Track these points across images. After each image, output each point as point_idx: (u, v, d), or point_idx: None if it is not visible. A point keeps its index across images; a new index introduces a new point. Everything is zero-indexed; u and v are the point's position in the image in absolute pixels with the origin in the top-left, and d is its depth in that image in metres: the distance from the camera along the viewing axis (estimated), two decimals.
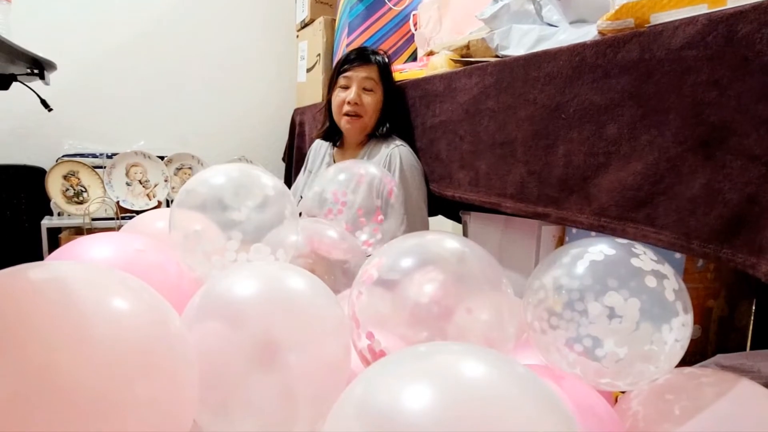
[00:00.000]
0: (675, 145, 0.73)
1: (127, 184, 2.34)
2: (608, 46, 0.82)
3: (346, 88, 1.45)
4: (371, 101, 1.44)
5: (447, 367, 0.44)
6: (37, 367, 0.45)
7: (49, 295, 0.50)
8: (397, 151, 1.41)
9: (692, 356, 0.87)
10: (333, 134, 1.58)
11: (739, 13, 0.64)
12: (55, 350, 0.47)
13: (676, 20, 0.73)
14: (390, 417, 0.41)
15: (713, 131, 0.68)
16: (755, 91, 0.63)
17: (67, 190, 2.24)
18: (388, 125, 1.46)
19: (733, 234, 0.66)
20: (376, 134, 1.47)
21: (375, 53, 1.47)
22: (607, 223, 0.84)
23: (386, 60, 1.48)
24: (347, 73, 1.45)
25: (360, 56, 1.45)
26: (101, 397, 0.47)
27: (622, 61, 0.80)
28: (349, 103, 1.43)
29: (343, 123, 1.47)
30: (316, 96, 2.17)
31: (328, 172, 1.28)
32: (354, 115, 1.44)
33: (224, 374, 0.62)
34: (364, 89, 1.44)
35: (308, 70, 2.27)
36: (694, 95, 0.70)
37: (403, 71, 1.56)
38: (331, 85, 1.52)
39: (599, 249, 0.71)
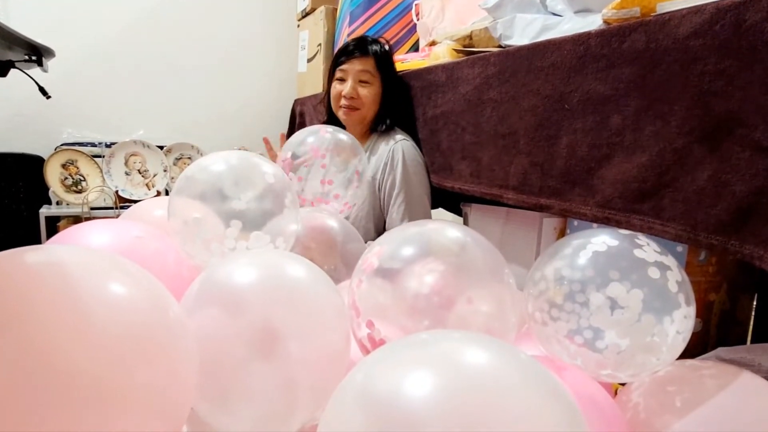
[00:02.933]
0: (681, 136, 0.72)
1: (126, 173, 2.33)
2: (613, 35, 0.81)
3: (342, 81, 1.44)
4: (368, 93, 1.42)
5: (449, 354, 0.44)
6: (35, 351, 0.45)
7: (47, 279, 0.50)
8: (399, 146, 1.39)
9: (693, 349, 0.87)
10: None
11: (747, 2, 0.63)
12: (53, 335, 0.46)
13: (682, 9, 0.72)
14: (391, 404, 0.40)
15: (720, 122, 0.67)
16: (763, 81, 0.62)
17: (66, 178, 2.23)
18: (389, 120, 1.45)
19: (741, 226, 0.65)
20: (378, 129, 1.46)
21: (374, 43, 1.45)
22: (612, 215, 0.83)
23: (386, 49, 1.45)
24: (343, 66, 1.43)
25: (357, 47, 1.43)
26: (99, 382, 0.46)
27: (627, 51, 0.79)
28: (345, 96, 1.42)
29: (341, 115, 1.46)
30: (316, 86, 2.15)
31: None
32: (351, 108, 1.43)
33: (223, 362, 0.62)
34: (361, 82, 1.42)
35: (309, 60, 2.26)
36: (701, 85, 0.69)
37: (405, 61, 1.54)
38: (330, 77, 1.51)
39: (602, 240, 0.70)
